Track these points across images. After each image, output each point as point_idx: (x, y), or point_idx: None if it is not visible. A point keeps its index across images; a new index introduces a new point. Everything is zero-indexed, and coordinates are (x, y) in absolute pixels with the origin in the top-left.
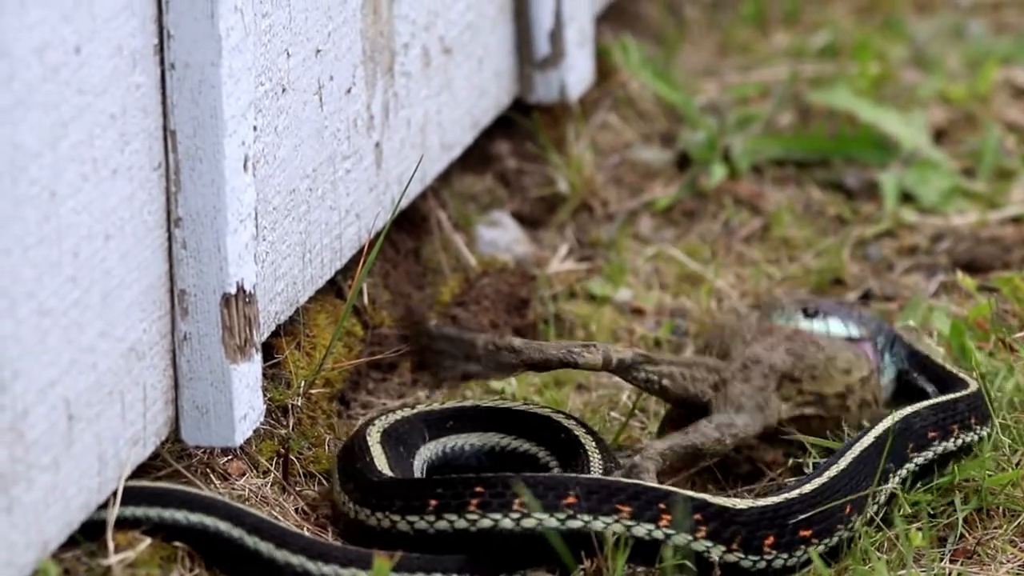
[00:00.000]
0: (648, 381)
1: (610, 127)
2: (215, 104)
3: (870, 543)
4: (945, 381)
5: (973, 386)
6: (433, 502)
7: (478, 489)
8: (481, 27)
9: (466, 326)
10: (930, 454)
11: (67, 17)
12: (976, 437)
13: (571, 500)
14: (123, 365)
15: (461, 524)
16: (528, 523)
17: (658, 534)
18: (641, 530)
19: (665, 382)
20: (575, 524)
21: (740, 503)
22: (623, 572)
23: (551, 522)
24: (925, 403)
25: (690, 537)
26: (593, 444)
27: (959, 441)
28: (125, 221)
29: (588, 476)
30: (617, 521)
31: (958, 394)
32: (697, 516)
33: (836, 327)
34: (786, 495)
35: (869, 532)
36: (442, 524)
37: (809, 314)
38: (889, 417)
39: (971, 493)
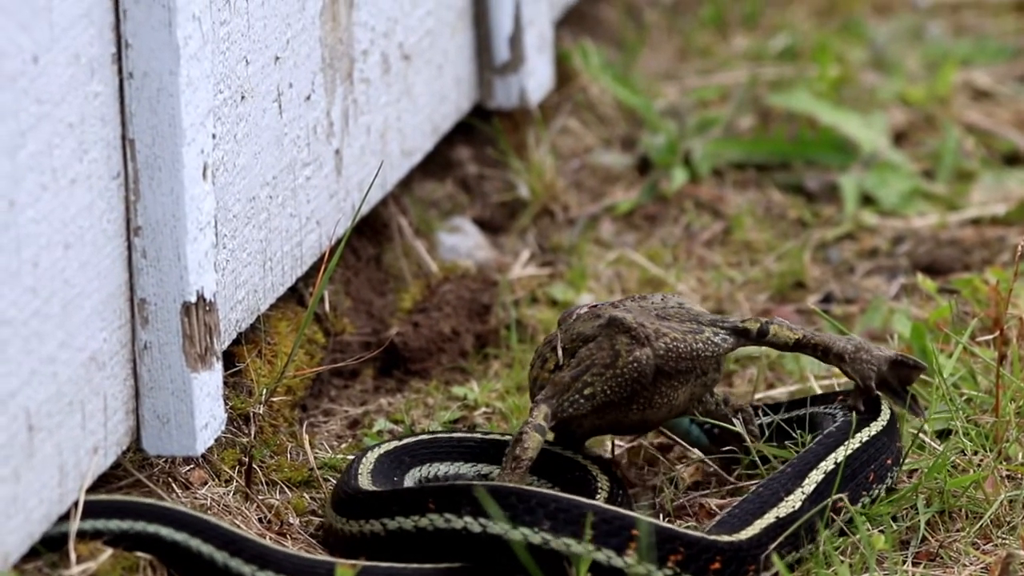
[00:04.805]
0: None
1: (570, 132)
2: (173, 113)
3: (833, 547)
4: None
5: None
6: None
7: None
8: (440, 33)
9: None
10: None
11: (25, 26)
12: None
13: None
14: (83, 375)
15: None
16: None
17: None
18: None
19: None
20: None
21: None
22: None
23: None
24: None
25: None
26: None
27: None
28: (84, 230)
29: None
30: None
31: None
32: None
33: None
34: None
35: (832, 536)
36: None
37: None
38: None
39: (933, 496)
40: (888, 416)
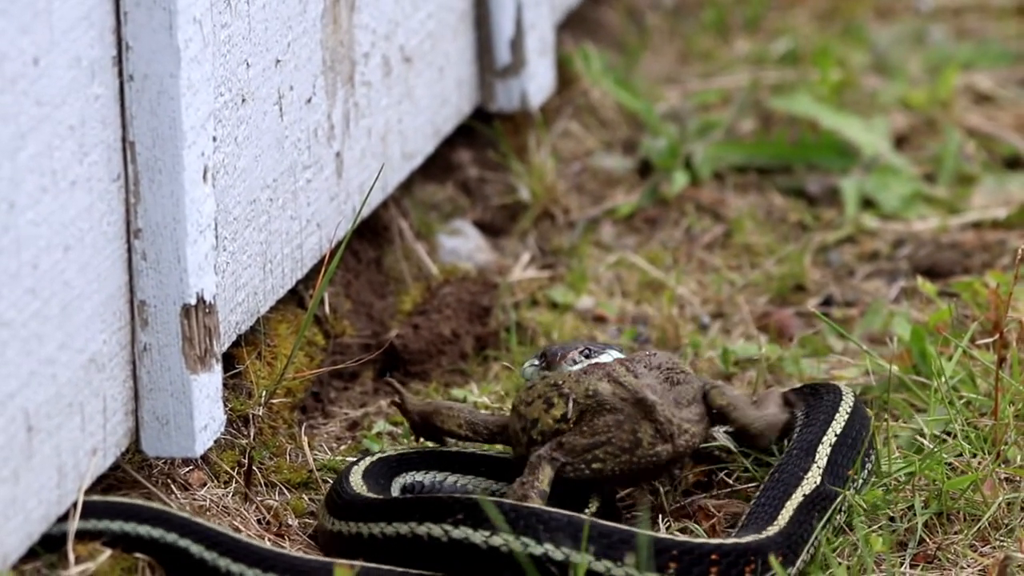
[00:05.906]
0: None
1: (571, 135)
2: (174, 115)
3: (830, 549)
4: None
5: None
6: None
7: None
8: (442, 36)
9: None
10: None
11: (25, 29)
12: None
13: (460, 517)
14: (83, 376)
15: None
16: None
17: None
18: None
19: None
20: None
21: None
22: None
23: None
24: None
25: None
26: None
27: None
28: (84, 232)
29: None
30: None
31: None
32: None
33: (615, 355)
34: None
35: (830, 538)
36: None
37: (590, 355)
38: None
39: (931, 497)
40: (849, 391)
